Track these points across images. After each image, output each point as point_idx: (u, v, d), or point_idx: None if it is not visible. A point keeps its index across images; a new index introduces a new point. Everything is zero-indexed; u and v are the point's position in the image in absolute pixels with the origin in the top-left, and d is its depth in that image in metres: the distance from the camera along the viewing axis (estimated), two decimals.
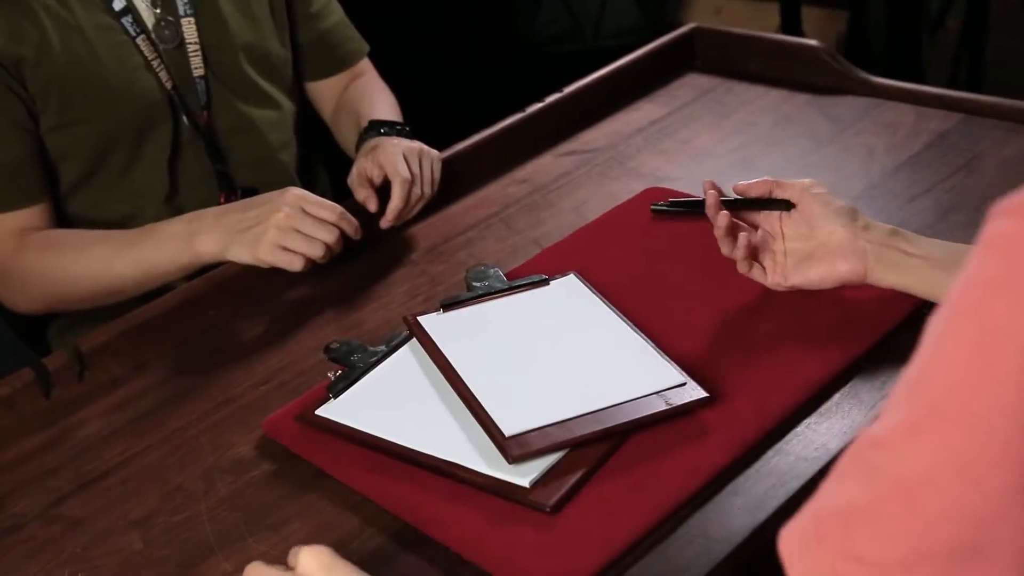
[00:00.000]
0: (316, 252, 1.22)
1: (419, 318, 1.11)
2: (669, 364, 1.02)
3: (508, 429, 0.95)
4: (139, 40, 1.38)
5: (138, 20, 1.38)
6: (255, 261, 1.22)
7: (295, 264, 1.22)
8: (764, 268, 1.10)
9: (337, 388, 1.05)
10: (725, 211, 1.09)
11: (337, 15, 1.60)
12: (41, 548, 0.98)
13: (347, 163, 1.40)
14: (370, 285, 1.28)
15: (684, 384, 0.99)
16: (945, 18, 3.10)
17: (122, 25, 1.37)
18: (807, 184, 1.09)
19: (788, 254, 1.09)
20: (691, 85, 1.63)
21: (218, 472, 1.03)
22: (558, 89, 1.56)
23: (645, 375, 1.01)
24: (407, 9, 2.72)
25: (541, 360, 1.06)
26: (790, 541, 0.60)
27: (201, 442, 1.08)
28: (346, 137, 1.55)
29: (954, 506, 0.53)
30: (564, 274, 1.18)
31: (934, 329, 0.56)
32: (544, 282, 1.16)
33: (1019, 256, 0.53)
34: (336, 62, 1.61)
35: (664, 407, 0.97)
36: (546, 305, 1.14)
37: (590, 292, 1.14)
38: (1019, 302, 0.52)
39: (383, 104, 1.54)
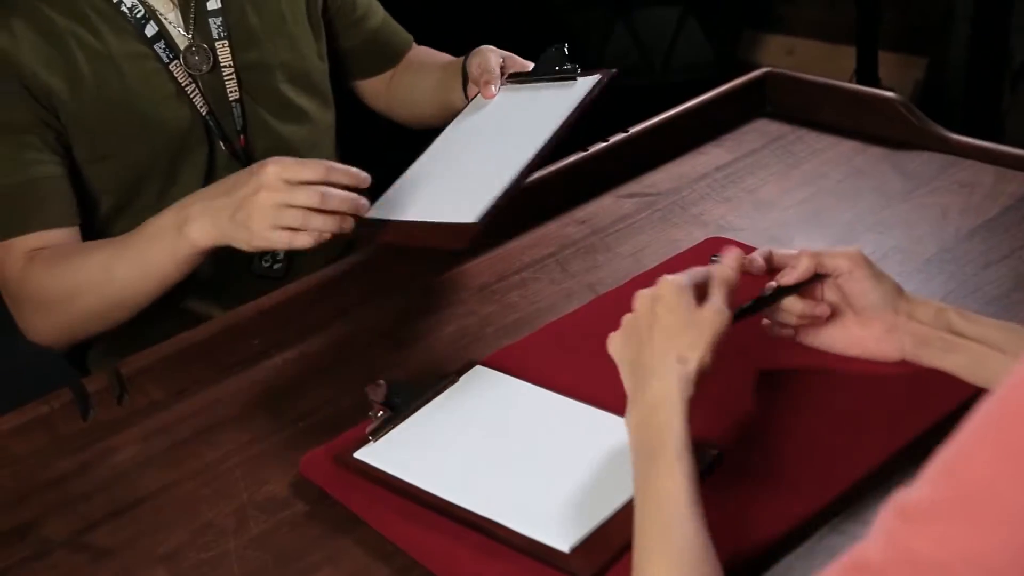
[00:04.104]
0: (315, 223, 1.10)
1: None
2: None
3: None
4: (172, 66, 1.36)
5: (171, 45, 1.36)
6: (253, 249, 1.14)
7: (298, 241, 1.09)
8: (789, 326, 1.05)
9: (377, 431, 1.02)
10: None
11: (380, 14, 1.62)
12: None
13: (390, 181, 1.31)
14: (418, 323, 1.25)
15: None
16: None
17: (155, 52, 1.35)
18: (854, 258, 1.00)
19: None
20: (760, 131, 1.59)
21: (251, 509, 1.01)
22: (623, 128, 1.52)
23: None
24: (469, 39, 2.70)
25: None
26: None
27: (236, 476, 1.05)
28: (418, 89, 1.57)
29: None
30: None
31: (977, 416, 0.56)
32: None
33: None
34: (386, 60, 1.63)
35: None
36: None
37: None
38: None
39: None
